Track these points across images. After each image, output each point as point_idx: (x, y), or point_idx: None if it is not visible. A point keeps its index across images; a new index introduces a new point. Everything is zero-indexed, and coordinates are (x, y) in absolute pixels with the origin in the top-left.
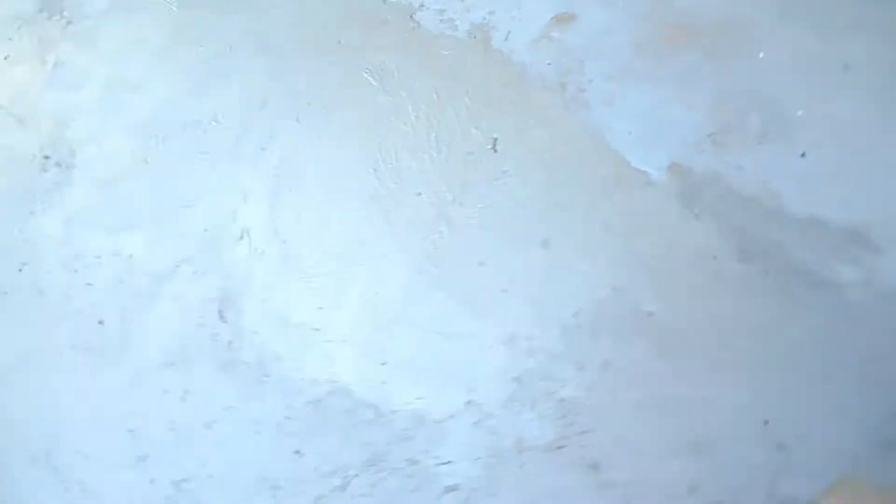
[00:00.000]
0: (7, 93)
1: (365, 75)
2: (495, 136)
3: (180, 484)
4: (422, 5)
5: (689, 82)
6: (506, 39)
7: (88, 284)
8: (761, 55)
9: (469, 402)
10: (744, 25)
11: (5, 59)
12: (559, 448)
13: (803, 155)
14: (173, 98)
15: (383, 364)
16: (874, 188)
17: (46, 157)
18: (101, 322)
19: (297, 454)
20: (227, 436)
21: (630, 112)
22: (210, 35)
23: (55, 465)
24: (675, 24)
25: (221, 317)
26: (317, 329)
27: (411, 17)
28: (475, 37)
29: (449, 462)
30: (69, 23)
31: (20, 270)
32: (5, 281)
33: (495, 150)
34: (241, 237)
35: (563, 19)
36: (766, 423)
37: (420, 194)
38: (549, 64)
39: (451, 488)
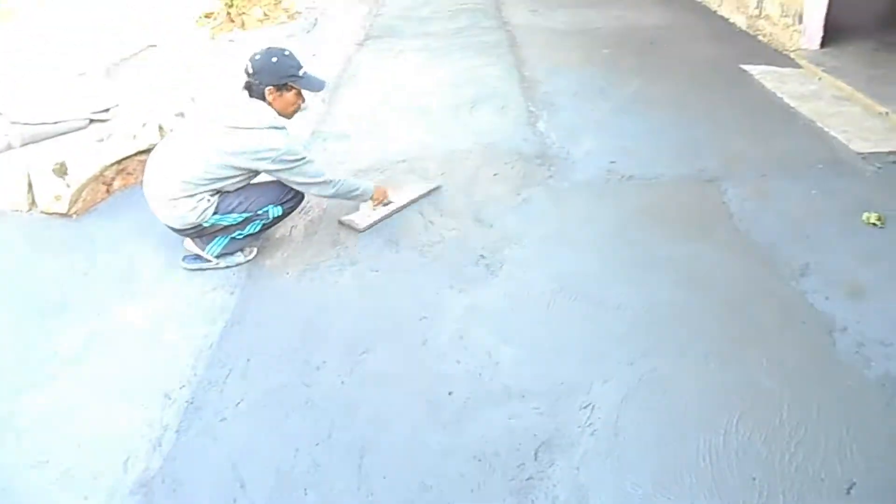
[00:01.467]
0: None
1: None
2: (854, 480)
3: None
4: (845, 329)
5: None
6: None
7: None
8: None
9: None
10: None
11: None
12: None
13: None
14: None
15: None
16: None
17: None
18: None
19: None
20: None
21: None
22: None
23: None
24: None
25: None
26: None
27: (830, 332)
28: (884, 385)
29: None
30: None
31: None
32: None
33: (848, 491)
34: None
35: None
36: None
37: None
38: None
39: None
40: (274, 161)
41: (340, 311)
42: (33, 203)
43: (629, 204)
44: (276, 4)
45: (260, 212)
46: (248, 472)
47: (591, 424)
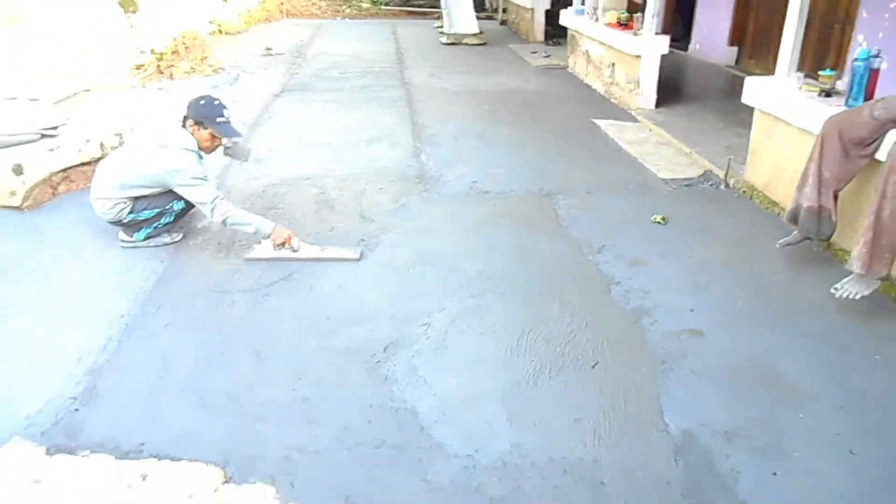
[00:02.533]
0: None
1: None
2: (599, 360)
3: None
4: (619, 283)
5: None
6: (652, 322)
7: None
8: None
9: None
10: None
11: None
12: None
13: None
14: None
15: None
16: None
17: None
18: None
19: None
20: None
21: None
22: None
23: None
24: None
25: None
26: None
27: (608, 286)
28: (635, 313)
29: None
30: None
31: None
32: None
33: (593, 367)
34: None
35: (695, 333)
36: None
37: None
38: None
39: None
40: (180, 175)
41: (248, 272)
42: None
43: (484, 209)
44: (202, 60)
45: (167, 206)
46: (173, 362)
47: (427, 334)
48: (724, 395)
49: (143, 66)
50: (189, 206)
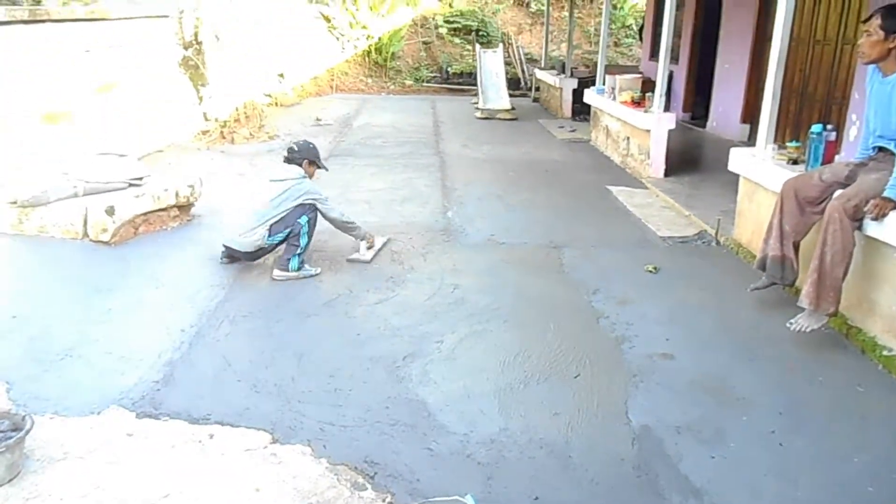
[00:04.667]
0: None
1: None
2: (580, 372)
3: None
4: (608, 317)
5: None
6: (631, 347)
7: None
8: None
9: None
10: None
11: None
12: None
13: None
14: None
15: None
16: None
17: None
18: None
19: None
20: None
21: None
22: None
23: None
24: None
25: None
26: None
27: (598, 319)
28: (617, 339)
29: None
30: None
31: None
32: None
33: (575, 377)
34: None
35: (666, 356)
36: None
37: None
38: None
39: None
40: (308, 194)
41: (295, 297)
42: (85, 234)
43: (497, 257)
44: (259, 128)
45: (295, 222)
46: (233, 360)
47: (438, 349)
48: (681, 401)
49: (207, 131)
50: (312, 225)
